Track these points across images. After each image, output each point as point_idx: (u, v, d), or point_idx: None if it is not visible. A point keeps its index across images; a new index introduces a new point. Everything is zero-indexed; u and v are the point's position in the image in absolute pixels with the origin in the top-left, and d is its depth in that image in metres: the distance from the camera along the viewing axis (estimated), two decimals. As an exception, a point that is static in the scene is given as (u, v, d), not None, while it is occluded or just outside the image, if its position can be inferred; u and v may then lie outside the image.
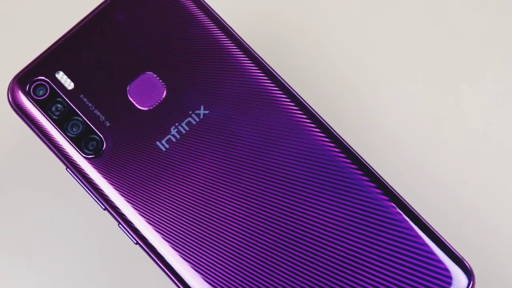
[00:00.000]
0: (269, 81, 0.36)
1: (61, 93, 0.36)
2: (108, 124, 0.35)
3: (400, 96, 0.43)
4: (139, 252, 0.35)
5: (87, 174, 0.35)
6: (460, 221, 0.40)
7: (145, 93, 0.36)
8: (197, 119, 0.35)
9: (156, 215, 0.34)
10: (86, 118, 0.35)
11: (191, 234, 0.34)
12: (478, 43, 0.43)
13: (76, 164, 0.35)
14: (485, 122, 0.42)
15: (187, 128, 0.35)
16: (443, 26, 0.44)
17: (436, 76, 0.43)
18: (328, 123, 0.36)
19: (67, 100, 0.36)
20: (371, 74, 0.43)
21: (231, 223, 0.34)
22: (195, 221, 0.34)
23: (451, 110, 0.42)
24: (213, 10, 0.37)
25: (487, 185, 0.41)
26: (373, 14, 0.44)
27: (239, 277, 0.34)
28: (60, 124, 0.35)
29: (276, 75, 0.36)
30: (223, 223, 0.34)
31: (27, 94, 0.36)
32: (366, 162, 0.35)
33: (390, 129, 0.42)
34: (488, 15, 0.44)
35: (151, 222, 0.34)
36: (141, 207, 0.35)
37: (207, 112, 0.35)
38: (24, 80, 0.36)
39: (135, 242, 0.34)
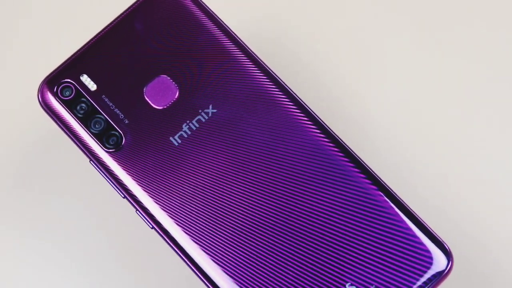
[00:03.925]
0: (270, 83, 0.36)
1: (85, 94, 0.36)
2: (127, 121, 0.36)
3: (387, 97, 0.43)
4: (154, 235, 0.36)
5: (108, 166, 0.36)
6: (441, 208, 0.41)
7: (160, 94, 0.36)
8: (206, 117, 0.36)
9: (170, 202, 0.35)
10: (108, 116, 0.36)
11: (201, 219, 0.35)
12: (462, 44, 0.44)
13: (99, 157, 0.36)
14: (466, 120, 0.43)
15: (197, 125, 0.36)
16: (431, 26, 0.44)
17: (421, 77, 0.43)
18: (324, 121, 0.36)
19: (91, 100, 0.36)
20: (361, 76, 0.43)
21: (236, 209, 0.35)
22: (205, 208, 0.35)
23: (433, 109, 0.43)
24: (221, 20, 0.37)
25: (466, 177, 0.42)
26: (363, 19, 0.44)
27: (243, 257, 0.34)
28: (84, 122, 0.36)
29: (276, 77, 0.36)
30: (229, 209, 0.35)
31: (55, 95, 0.36)
32: (357, 156, 0.35)
33: (378, 127, 0.43)
34: (474, 16, 0.44)
35: (165, 209, 0.35)
36: (156, 196, 0.35)
37: (215, 110, 0.36)
38: (53, 82, 0.36)
39: (150, 226, 0.35)
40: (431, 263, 0.34)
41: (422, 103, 0.43)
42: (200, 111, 0.36)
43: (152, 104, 0.36)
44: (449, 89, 0.43)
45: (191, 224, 0.35)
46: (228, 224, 0.35)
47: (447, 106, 0.43)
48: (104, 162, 0.36)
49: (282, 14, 0.44)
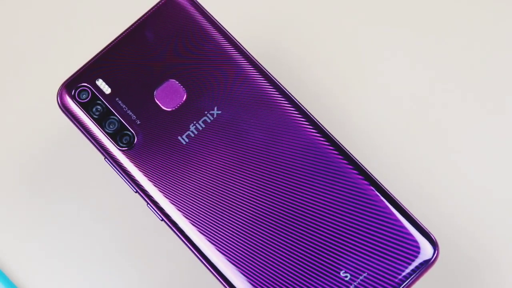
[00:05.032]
0: (270, 86, 0.37)
1: (100, 97, 0.37)
2: (138, 122, 0.37)
3: (374, 100, 0.43)
4: (164, 227, 0.37)
5: (121, 163, 0.36)
6: (426, 201, 0.42)
7: (169, 97, 0.37)
8: (212, 118, 0.37)
9: (178, 196, 0.36)
10: (121, 117, 0.37)
11: (206, 212, 0.36)
12: (449, 47, 0.44)
13: (113, 155, 0.37)
14: (448, 122, 0.43)
15: (203, 125, 0.37)
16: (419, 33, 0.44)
17: (403, 82, 0.44)
18: (319, 120, 0.37)
19: (105, 103, 0.37)
20: (349, 84, 0.44)
21: (239, 202, 0.36)
22: (210, 201, 0.36)
23: (414, 111, 0.43)
24: (225, 28, 0.38)
25: (447, 174, 0.42)
26: (352, 27, 0.45)
27: (245, 247, 0.35)
28: (100, 122, 0.37)
29: (276, 81, 0.37)
30: (232, 202, 0.36)
31: (72, 98, 0.37)
32: (350, 153, 0.36)
33: (367, 127, 0.43)
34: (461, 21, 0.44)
35: (174, 203, 0.36)
36: (166, 190, 0.36)
37: (219, 112, 0.37)
38: (70, 86, 0.37)
39: (160, 219, 0.36)
40: (418, 252, 0.35)
41: (411, 104, 0.43)
42: (206, 112, 0.37)
43: (162, 106, 0.37)
44: (440, 89, 0.44)
45: (198, 217, 0.36)
46: (231, 215, 0.36)
47: (437, 106, 0.43)
48: (117, 159, 0.37)
49: (272, 30, 0.45)
